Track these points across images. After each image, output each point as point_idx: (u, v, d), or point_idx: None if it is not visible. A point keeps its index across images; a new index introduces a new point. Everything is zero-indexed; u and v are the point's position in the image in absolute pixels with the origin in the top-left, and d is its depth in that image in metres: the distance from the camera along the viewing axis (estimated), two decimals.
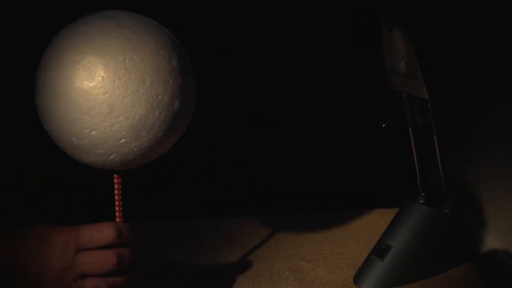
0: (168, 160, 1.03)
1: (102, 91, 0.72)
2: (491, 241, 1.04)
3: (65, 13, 0.78)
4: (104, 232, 0.76)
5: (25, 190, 1.09)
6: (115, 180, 0.79)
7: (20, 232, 0.78)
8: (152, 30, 0.75)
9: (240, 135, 1.25)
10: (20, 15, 0.95)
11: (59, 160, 1.00)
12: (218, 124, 1.26)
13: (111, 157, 0.75)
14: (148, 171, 1.22)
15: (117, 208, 0.79)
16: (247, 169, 1.28)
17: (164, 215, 1.15)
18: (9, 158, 1.03)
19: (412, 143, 0.95)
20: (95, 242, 0.76)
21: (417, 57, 0.87)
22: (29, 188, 1.10)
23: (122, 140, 0.74)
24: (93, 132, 0.73)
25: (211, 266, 0.96)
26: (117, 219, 0.79)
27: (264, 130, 1.28)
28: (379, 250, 0.92)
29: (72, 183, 1.11)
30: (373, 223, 1.06)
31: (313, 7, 1.25)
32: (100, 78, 0.72)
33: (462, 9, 1.15)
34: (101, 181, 0.82)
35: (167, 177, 1.24)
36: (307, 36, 1.26)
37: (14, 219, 0.81)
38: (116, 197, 0.79)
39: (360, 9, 1.24)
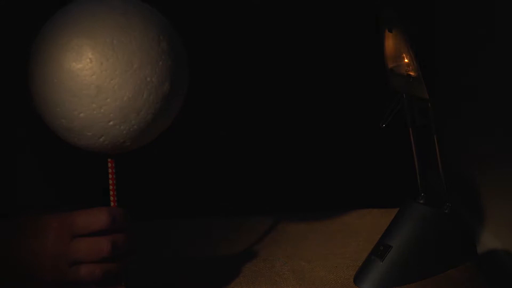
0: (167, 161, 1.04)
1: (90, 72, 0.72)
2: (491, 241, 1.04)
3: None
4: (98, 217, 0.75)
5: (25, 190, 1.09)
6: (109, 164, 0.79)
7: (13, 220, 0.77)
8: (142, 13, 0.75)
9: (237, 135, 1.25)
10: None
11: (59, 160, 1.00)
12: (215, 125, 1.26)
13: (101, 139, 0.75)
14: (148, 172, 1.23)
15: (111, 193, 0.79)
16: (246, 169, 1.28)
17: (163, 215, 1.15)
18: (9, 158, 1.03)
19: (412, 143, 0.95)
20: (89, 228, 0.75)
21: (417, 57, 0.87)
22: (30, 188, 1.10)
23: (111, 123, 0.73)
24: (82, 114, 0.73)
25: (211, 266, 0.96)
26: (112, 204, 0.79)
27: (262, 130, 1.28)
28: (379, 250, 0.92)
29: (72, 183, 1.11)
30: (373, 223, 1.06)
31: (311, 4, 1.25)
32: (88, 59, 0.72)
33: (462, 9, 1.15)
34: (105, 185, 0.82)
35: (166, 178, 1.24)
36: (306, 35, 1.26)
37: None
38: (110, 181, 0.79)
39: (359, 4, 1.24)
